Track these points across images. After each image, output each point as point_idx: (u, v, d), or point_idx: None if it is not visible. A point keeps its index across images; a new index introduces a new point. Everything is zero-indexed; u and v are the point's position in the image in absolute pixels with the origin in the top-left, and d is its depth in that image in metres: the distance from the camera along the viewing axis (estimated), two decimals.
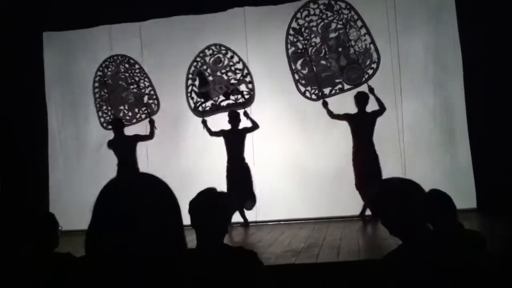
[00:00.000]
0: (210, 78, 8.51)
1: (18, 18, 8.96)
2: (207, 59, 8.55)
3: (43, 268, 3.22)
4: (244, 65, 8.47)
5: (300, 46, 8.20)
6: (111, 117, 8.65)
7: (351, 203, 7.97)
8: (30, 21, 9.06)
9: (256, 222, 8.39)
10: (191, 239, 2.66)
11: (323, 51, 8.14)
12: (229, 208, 2.68)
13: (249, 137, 8.53)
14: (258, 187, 8.54)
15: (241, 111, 8.25)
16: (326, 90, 8.09)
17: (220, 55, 8.52)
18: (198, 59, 8.57)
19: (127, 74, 8.76)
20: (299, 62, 8.20)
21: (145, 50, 9.13)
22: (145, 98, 8.69)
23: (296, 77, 8.20)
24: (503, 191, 7.40)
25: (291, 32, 8.23)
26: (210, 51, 8.56)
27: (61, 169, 9.34)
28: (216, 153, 8.45)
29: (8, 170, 8.70)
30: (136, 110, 8.69)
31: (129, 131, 8.46)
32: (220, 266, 2.49)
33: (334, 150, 8.50)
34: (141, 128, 8.58)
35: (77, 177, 9.08)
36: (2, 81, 8.78)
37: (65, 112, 9.46)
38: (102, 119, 8.79)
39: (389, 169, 7.44)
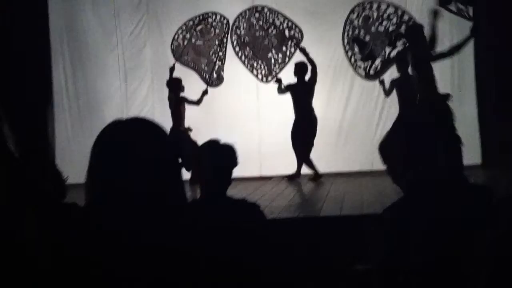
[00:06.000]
0: (367, 38, 8.09)
1: None
2: (355, 23, 8.14)
3: (50, 218, 3.25)
4: (395, 7, 8.01)
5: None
6: (266, 69, 8.38)
7: (355, 157, 8.00)
8: None
9: (260, 177, 8.43)
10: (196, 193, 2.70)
11: None
12: (232, 160, 2.69)
13: (253, 90, 8.47)
14: (263, 141, 8.58)
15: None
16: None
17: (366, 12, 8.09)
18: (347, 28, 8.13)
19: (260, 22, 8.44)
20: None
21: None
22: (286, 33, 8.38)
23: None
24: (508, 146, 7.39)
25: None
26: (356, 14, 8.14)
27: (67, 121, 9.31)
28: (221, 106, 8.45)
29: (12, 125, 8.64)
30: (284, 48, 8.37)
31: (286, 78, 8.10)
32: (222, 217, 2.52)
33: (340, 103, 8.47)
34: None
35: (84, 130, 9.07)
36: (3, 32, 8.58)
37: (71, 64, 9.29)
38: (260, 76, 8.46)
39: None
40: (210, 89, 8.30)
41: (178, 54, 8.38)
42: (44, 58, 9.05)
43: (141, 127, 1.34)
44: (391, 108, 8.31)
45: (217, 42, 8.40)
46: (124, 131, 1.32)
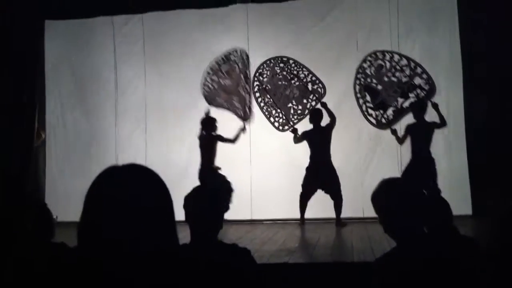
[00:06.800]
0: (379, 87, 8.09)
1: (20, 6, 8.92)
2: (367, 71, 8.19)
3: (38, 258, 3.21)
4: (408, 59, 8.07)
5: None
6: (284, 118, 8.41)
7: (346, 204, 7.97)
8: (32, 9, 9.04)
9: (251, 220, 8.38)
10: (185, 235, 2.67)
11: None
12: (223, 204, 2.67)
13: (246, 135, 8.51)
14: (254, 185, 8.56)
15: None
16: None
17: (379, 61, 8.15)
18: (359, 75, 8.19)
19: (284, 73, 8.50)
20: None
21: (147, 41, 9.15)
22: (309, 86, 8.41)
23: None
24: (498, 197, 7.40)
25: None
26: (368, 63, 8.20)
27: (58, 159, 9.31)
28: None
29: (4, 159, 8.66)
30: (305, 101, 8.40)
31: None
32: (212, 262, 2.49)
33: (332, 148, 8.52)
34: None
35: (75, 168, 9.05)
36: (1, 68, 8.71)
37: (65, 103, 9.40)
38: (276, 124, 8.50)
39: (386, 174, 7.41)
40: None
41: (211, 98, 8.45)
42: (38, 93, 9.17)
43: (137, 174, 1.33)
44: (381, 155, 8.36)
45: (242, 77, 8.51)
46: (120, 178, 1.32)
